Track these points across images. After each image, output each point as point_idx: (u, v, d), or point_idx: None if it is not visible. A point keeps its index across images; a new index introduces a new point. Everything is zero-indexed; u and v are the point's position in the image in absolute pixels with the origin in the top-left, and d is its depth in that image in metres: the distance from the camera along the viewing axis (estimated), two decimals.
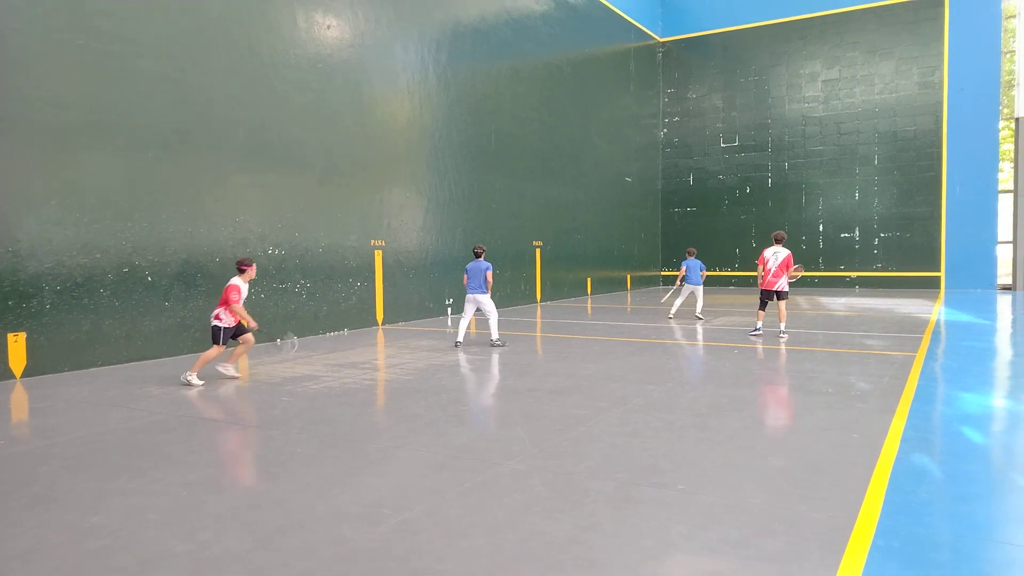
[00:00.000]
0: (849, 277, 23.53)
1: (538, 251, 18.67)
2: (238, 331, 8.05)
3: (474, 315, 11.81)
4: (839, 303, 17.85)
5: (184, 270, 10.09)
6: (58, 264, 8.64)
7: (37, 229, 8.45)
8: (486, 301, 10.55)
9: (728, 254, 25.40)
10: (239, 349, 8.14)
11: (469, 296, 10.62)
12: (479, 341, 11.24)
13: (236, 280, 7.93)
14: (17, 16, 8.24)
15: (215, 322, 7.88)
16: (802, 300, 17.52)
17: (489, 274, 10.54)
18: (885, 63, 23.00)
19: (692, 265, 14.08)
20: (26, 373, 8.34)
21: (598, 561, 3.30)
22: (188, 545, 3.54)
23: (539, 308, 17.42)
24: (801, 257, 13.08)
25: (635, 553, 3.38)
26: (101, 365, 9.08)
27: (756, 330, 11.59)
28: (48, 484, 4.52)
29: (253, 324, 8.04)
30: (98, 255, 9.07)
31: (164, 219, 9.83)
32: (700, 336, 11.68)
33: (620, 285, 23.68)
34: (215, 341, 7.86)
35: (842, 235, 23.75)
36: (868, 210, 23.34)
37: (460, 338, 10.64)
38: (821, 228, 24.01)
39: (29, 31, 8.35)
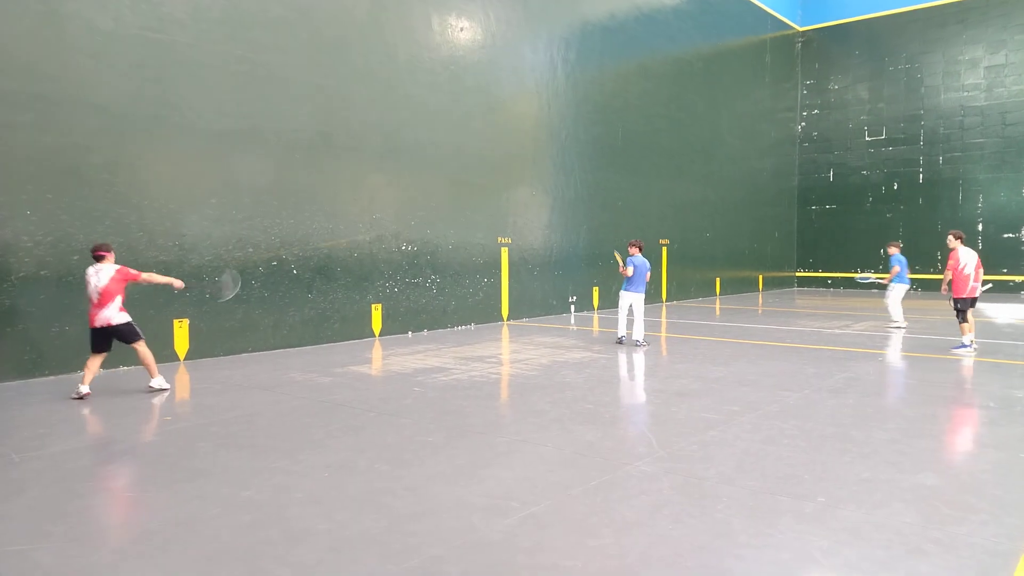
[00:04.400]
0: (1014, 282, 21.39)
1: (664, 250, 18.27)
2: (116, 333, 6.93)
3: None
4: (1004, 310, 16.27)
5: (326, 264, 10.69)
6: (216, 257, 9.40)
7: (199, 225, 9.24)
8: (640, 301, 10.50)
9: (871, 255, 23.77)
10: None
11: (631, 293, 10.51)
12: (603, 340, 11.15)
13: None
14: (184, 31, 9.03)
15: (128, 317, 6.94)
16: None
17: (648, 275, 10.60)
18: None
19: (899, 261, 13.05)
20: (188, 356, 9.14)
21: (730, 571, 3.19)
22: (328, 524, 3.74)
23: (664, 308, 17.05)
24: None
25: (770, 565, 3.23)
26: (251, 351, 9.79)
27: (965, 346, 9.63)
28: (205, 459, 4.92)
29: (178, 284, 7.41)
30: (250, 249, 9.79)
31: (308, 216, 10.45)
32: (840, 342, 11.01)
33: (752, 286, 22.75)
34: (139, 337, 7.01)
35: (1005, 236, 21.61)
36: None
37: (622, 333, 10.67)
38: (980, 228, 21.95)
39: (196, 44, 9.13)
